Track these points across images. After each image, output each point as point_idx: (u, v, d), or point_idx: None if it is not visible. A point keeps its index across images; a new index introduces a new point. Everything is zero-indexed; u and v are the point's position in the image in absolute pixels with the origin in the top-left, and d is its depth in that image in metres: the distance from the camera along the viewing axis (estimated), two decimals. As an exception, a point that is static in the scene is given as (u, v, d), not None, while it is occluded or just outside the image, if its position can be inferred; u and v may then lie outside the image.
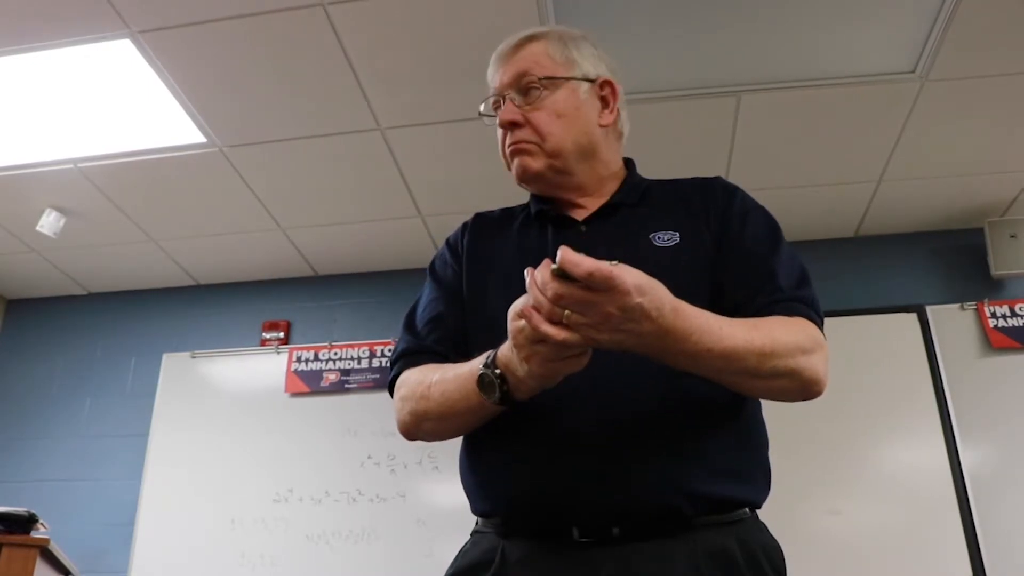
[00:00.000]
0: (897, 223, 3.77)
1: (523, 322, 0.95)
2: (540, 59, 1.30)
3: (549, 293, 0.91)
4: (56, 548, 2.71)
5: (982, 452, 3.29)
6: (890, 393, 3.42)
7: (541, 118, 1.28)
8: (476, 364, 1.08)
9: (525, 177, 1.31)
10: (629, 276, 0.91)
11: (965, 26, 2.60)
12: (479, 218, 1.43)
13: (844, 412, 3.33)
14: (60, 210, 3.58)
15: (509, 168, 1.33)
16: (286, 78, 2.87)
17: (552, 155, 1.28)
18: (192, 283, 4.30)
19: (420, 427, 1.21)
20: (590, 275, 0.89)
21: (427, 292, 1.37)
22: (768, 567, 1.11)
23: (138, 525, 3.68)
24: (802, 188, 3.49)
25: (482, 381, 1.06)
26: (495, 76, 1.34)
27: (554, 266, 0.90)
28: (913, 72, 2.83)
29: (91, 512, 3.83)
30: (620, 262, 0.92)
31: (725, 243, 1.23)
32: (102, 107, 3.02)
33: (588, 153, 1.31)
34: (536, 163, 1.29)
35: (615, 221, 1.28)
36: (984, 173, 3.40)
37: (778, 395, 1.12)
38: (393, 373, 1.30)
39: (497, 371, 1.04)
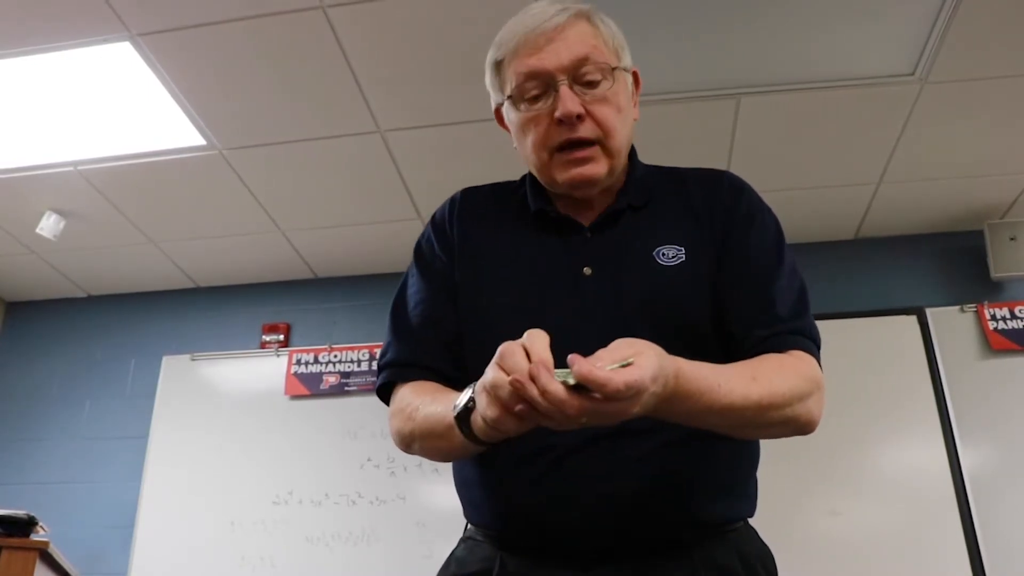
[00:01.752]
0: (897, 225, 3.77)
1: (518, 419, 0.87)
2: (598, 44, 1.14)
3: (570, 412, 0.84)
4: (56, 550, 2.71)
5: (982, 454, 3.28)
6: (890, 395, 3.41)
7: (607, 113, 1.13)
8: (452, 415, 1.00)
9: (582, 185, 1.16)
10: (648, 371, 0.86)
11: (964, 28, 2.60)
12: (468, 196, 1.30)
13: (844, 414, 3.32)
14: (60, 212, 3.59)
15: (546, 167, 1.18)
16: (286, 81, 2.87)
17: (612, 155, 1.16)
18: (192, 285, 4.30)
19: (411, 447, 1.16)
20: (619, 392, 0.83)
21: (416, 284, 1.26)
22: (764, 574, 1.11)
23: (138, 527, 3.68)
24: (802, 190, 3.49)
25: (462, 432, 0.99)
26: (535, 57, 1.13)
27: (571, 381, 0.83)
28: (912, 74, 2.83)
29: (91, 514, 3.83)
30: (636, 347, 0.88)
31: (727, 254, 1.17)
32: (102, 109, 3.02)
33: (628, 150, 1.23)
34: (599, 168, 1.15)
35: (621, 228, 1.19)
36: (984, 175, 3.40)
37: (771, 437, 1.09)
38: (382, 380, 1.22)
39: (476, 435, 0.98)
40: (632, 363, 0.86)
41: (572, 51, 1.12)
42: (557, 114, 1.11)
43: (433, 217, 1.31)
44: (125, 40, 2.68)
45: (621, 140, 1.17)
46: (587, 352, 0.94)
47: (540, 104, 1.14)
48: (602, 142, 1.14)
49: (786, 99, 2.97)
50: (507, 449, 1.02)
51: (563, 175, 1.16)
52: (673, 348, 1.04)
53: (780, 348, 1.10)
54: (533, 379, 0.84)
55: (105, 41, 2.68)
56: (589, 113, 1.13)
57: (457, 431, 0.99)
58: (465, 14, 2.59)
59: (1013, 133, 3.14)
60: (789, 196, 3.46)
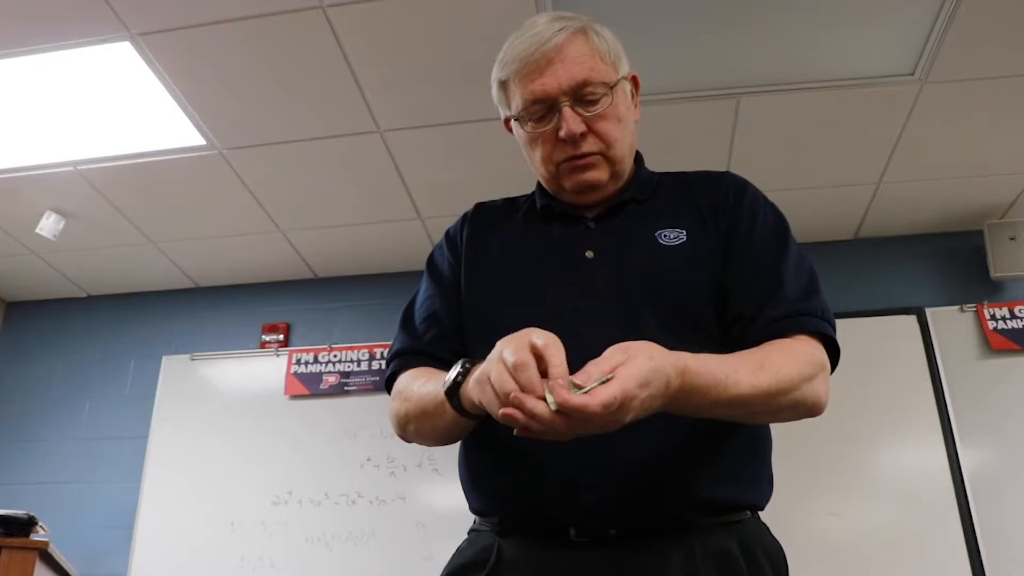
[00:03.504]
0: (896, 225, 3.77)
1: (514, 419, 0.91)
2: (595, 63, 1.20)
3: (561, 430, 0.89)
4: (55, 551, 2.71)
5: (982, 454, 3.28)
6: (890, 395, 3.42)
7: (607, 127, 1.21)
8: (441, 389, 1.07)
9: (586, 189, 1.24)
10: (630, 380, 0.89)
11: (964, 28, 2.60)
12: (480, 209, 1.38)
13: (844, 414, 3.32)
14: (60, 212, 3.59)
15: (554, 178, 1.25)
16: (286, 80, 2.87)
17: (614, 162, 1.23)
18: (191, 285, 4.30)
19: (406, 430, 1.22)
20: (596, 415, 0.87)
21: (424, 287, 1.34)
22: (769, 568, 1.10)
23: (137, 528, 3.68)
24: (801, 190, 3.49)
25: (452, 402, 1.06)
26: (537, 82, 1.20)
27: (552, 406, 0.87)
28: (912, 74, 2.84)
29: (90, 515, 3.83)
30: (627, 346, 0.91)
31: (732, 246, 1.20)
32: (102, 109, 3.02)
33: (631, 153, 1.29)
34: (601, 174, 1.23)
35: (623, 217, 1.25)
36: (983, 175, 3.40)
37: (779, 421, 1.11)
38: (389, 372, 1.28)
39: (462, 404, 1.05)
40: (611, 378, 0.89)
41: (572, 74, 1.18)
42: (561, 134, 1.19)
43: (447, 231, 1.38)
44: (125, 40, 2.68)
45: (622, 148, 1.24)
46: (589, 333, 1.03)
47: (545, 123, 1.21)
48: (604, 153, 1.22)
49: (786, 99, 2.97)
50: (505, 425, 1.04)
51: (568, 181, 1.24)
52: (674, 325, 1.10)
53: (790, 331, 1.12)
54: (519, 406, 0.89)
55: (105, 41, 2.68)
56: (591, 129, 1.20)
57: (448, 406, 1.05)
58: (464, 14, 2.59)
59: (1013, 133, 3.14)
60: (789, 196, 3.44)
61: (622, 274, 1.17)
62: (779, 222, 1.25)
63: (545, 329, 0.96)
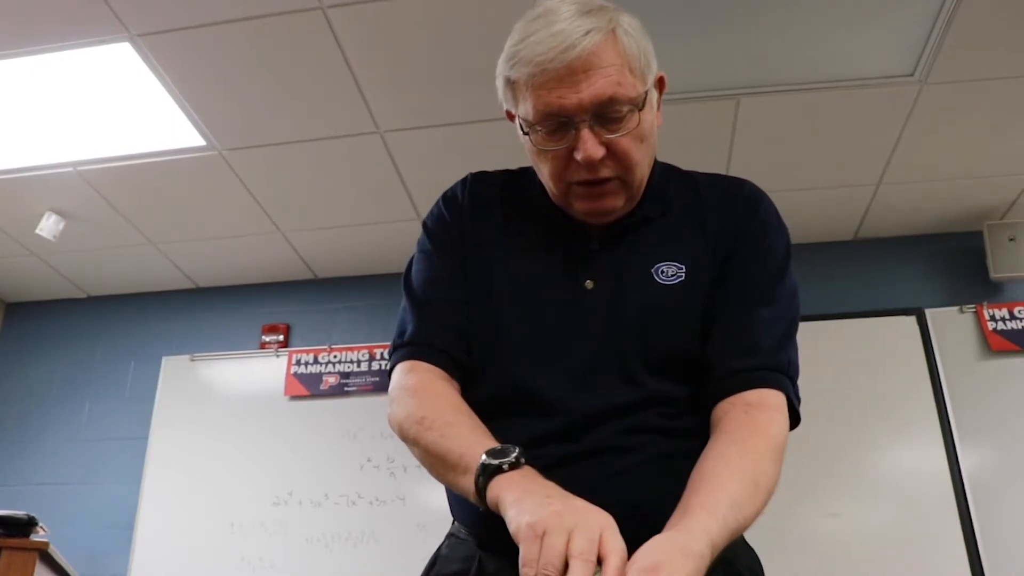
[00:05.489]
0: (896, 226, 3.77)
1: None
2: (623, 76, 1.05)
3: None
4: (55, 552, 2.71)
5: (981, 455, 3.29)
6: (889, 396, 3.41)
7: (629, 149, 1.07)
8: (470, 481, 0.97)
9: (600, 217, 1.13)
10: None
11: (964, 29, 2.61)
12: (479, 181, 1.27)
13: (843, 415, 3.33)
14: (59, 213, 3.59)
15: (563, 195, 1.13)
16: (285, 81, 2.88)
17: (633, 186, 1.11)
18: (191, 286, 4.30)
19: (406, 442, 1.13)
20: None
21: (427, 261, 1.23)
22: None
23: (137, 528, 3.68)
24: (801, 191, 3.49)
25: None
26: (555, 94, 1.04)
27: None
28: (912, 75, 2.84)
29: (90, 515, 3.83)
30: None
31: (726, 273, 1.13)
32: (102, 110, 3.02)
33: (650, 167, 1.17)
34: (617, 201, 1.11)
35: (628, 241, 1.16)
36: (983, 176, 3.41)
37: None
38: (396, 359, 1.17)
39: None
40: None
41: (596, 90, 1.03)
42: (577, 156, 1.05)
43: (445, 195, 1.27)
44: (124, 41, 2.68)
45: (642, 170, 1.12)
46: (574, 369, 1.06)
47: (557, 139, 1.07)
48: (622, 178, 1.09)
49: (786, 99, 2.97)
50: None
51: (580, 205, 1.12)
52: (661, 369, 1.08)
53: (751, 385, 1.07)
54: None
55: (104, 42, 2.68)
56: (610, 151, 1.06)
57: (471, 478, 0.96)
58: (464, 15, 2.59)
59: (1013, 134, 3.14)
60: (788, 197, 3.45)
61: (616, 315, 1.11)
62: (782, 254, 1.18)
63: (533, 354, 1.00)
